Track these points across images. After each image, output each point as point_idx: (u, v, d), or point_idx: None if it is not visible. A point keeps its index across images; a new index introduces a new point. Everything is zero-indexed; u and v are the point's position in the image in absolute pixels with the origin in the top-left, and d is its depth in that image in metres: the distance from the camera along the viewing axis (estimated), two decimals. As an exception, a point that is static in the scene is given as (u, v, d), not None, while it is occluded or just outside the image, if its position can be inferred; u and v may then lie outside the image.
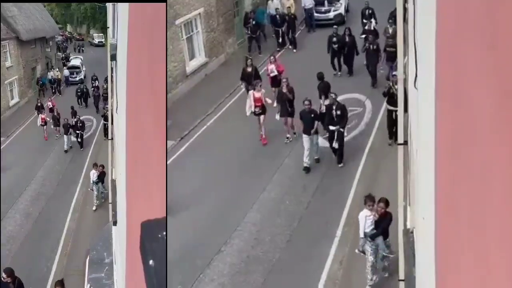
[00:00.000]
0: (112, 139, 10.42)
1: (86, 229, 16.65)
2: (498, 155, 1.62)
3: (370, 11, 22.55)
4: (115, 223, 7.94)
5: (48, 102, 31.82)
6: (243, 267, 11.13)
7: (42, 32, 43.75)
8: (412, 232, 4.59)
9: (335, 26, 20.20)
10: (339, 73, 19.97)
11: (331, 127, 13.97)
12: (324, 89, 15.86)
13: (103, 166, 18.32)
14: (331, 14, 25.78)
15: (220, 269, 11.08)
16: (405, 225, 5.43)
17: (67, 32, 68.80)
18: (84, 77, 42.53)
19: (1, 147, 28.20)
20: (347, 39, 19.47)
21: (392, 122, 14.21)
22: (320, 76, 16.33)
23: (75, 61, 46.50)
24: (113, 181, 8.81)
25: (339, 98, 17.63)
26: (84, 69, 43.77)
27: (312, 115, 14.05)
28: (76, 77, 42.29)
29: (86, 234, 16.04)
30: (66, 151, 25.47)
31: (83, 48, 58.74)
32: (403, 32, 5.84)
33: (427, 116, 2.89)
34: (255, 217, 12.73)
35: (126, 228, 4.33)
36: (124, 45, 4.55)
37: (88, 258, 9.59)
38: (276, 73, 17.93)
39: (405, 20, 6.04)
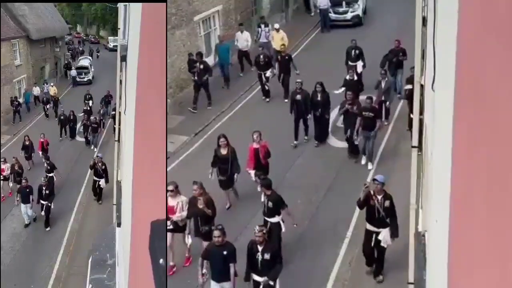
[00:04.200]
0: (118, 140, 10.43)
1: (89, 229, 16.64)
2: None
3: (357, 52, 17.97)
4: (119, 225, 7.94)
5: (41, 138, 23.79)
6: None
7: (52, 32, 43.98)
8: (423, 235, 4.58)
9: (298, 80, 15.20)
10: (305, 137, 15.47)
11: (256, 277, 9.14)
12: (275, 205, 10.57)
13: None
14: (349, 15, 25.51)
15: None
16: (416, 228, 5.42)
17: (82, 34, 68.10)
18: (93, 77, 42.62)
19: (8, 145, 28.28)
20: (318, 97, 14.62)
21: (371, 250, 9.91)
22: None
23: (83, 61, 46.60)
24: (119, 183, 8.82)
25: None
26: (92, 69, 43.83)
27: (225, 253, 9.02)
28: (84, 77, 42.35)
29: (89, 235, 16.05)
30: (27, 225, 17.89)
31: (98, 54, 54.88)
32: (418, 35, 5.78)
33: (444, 118, 2.88)
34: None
35: (131, 229, 4.32)
36: (135, 46, 4.55)
37: (90, 258, 9.58)
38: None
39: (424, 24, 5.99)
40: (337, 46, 20.72)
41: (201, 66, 18.20)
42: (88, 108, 28.00)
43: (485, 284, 1.90)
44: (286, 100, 17.43)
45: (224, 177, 12.45)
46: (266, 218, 10.64)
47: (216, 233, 9.08)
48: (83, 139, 25.89)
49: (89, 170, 19.48)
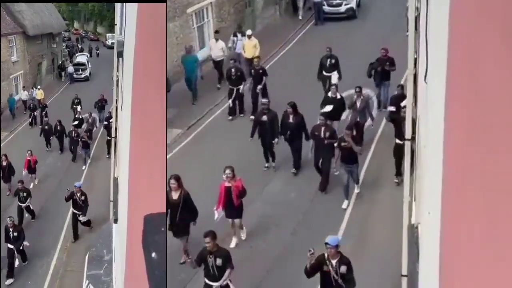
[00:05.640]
0: (115, 137, 10.44)
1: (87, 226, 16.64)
2: (509, 151, 1.62)
3: (332, 61, 16.29)
4: (115, 221, 7.95)
5: (27, 156, 20.47)
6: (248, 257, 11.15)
7: (49, 28, 43.89)
8: (416, 228, 4.61)
9: (265, 100, 13.76)
10: (272, 164, 14.00)
11: None
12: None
13: None
14: (342, 8, 25.56)
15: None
16: (409, 220, 5.45)
17: (81, 31, 67.48)
18: (90, 74, 42.57)
19: (5, 142, 28.16)
20: (290, 119, 12.96)
21: None
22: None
23: (80, 57, 46.51)
24: (115, 179, 8.82)
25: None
26: (90, 66, 43.76)
27: None
28: (81, 74, 42.31)
29: (87, 231, 16.06)
30: None
31: (98, 51, 53.55)
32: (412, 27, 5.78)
33: (436, 110, 2.90)
34: (260, 207, 12.69)
35: (127, 225, 4.33)
36: (131, 42, 4.56)
37: (87, 254, 9.60)
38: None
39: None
40: (330, 39, 20.63)
41: None
42: (79, 116, 25.15)
43: (477, 276, 1.91)
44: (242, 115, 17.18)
45: (175, 225, 10.44)
46: (210, 283, 8.96)
47: None
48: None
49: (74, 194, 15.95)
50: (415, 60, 5.88)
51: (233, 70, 16.81)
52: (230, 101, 17.14)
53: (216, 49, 19.68)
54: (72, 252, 15.47)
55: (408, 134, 5.67)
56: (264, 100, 13.73)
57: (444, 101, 2.60)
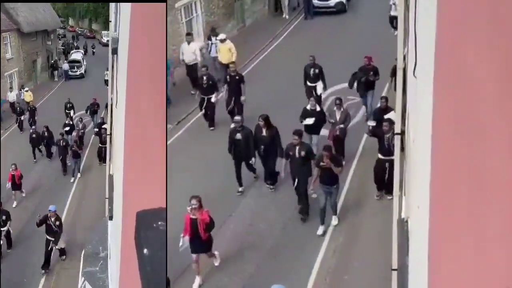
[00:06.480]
0: (111, 134, 10.43)
1: (82, 223, 16.63)
2: (496, 145, 1.63)
3: (316, 71, 15.28)
4: (111, 218, 7.95)
5: (11, 171, 18.59)
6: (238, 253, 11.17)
7: (44, 25, 43.71)
8: (406, 222, 4.64)
9: (237, 117, 12.87)
10: (254, 175, 13.34)
11: None
12: None
13: None
14: (332, 2, 25.68)
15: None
16: (399, 214, 5.48)
17: (77, 28, 67.00)
18: (85, 71, 42.45)
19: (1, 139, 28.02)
20: (263, 132, 12.20)
21: None
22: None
23: (75, 55, 46.35)
24: (110, 176, 8.83)
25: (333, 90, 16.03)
26: (85, 63, 43.62)
27: None
28: (76, 71, 42.19)
29: (82, 228, 16.04)
30: None
31: (94, 50, 52.69)
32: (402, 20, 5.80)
33: (425, 105, 2.92)
34: (249, 203, 12.69)
35: (121, 222, 4.34)
36: (125, 39, 4.56)
37: (83, 252, 9.61)
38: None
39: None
40: (319, 33, 20.54)
41: None
42: (69, 122, 23.90)
43: (466, 270, 1.93)
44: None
45: None
46: None
47: None
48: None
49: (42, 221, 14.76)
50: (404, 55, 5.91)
51: (204, 78, 15.78)
52: (202, 113, 16.41)
53: (188, 52, 18.46)
54: (68, 249, 15.45)
55: (397, 128, 5.73)
56: (237, 118, 12.82)
57: (433, 96, 2.61)
